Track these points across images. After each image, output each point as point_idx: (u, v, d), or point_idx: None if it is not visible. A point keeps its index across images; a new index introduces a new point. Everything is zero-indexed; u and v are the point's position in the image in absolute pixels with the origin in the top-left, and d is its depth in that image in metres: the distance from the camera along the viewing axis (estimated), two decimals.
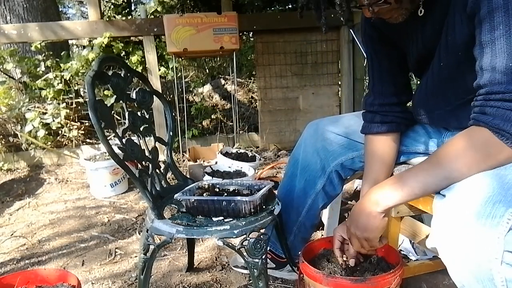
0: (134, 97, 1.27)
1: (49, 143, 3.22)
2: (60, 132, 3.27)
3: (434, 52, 0.93)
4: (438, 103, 0.97)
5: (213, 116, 4.20)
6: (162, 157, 1.91)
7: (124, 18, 6.06)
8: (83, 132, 3.44)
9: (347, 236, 1.06)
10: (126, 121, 1.22)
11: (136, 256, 1.70)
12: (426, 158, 0.86)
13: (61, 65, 3.20)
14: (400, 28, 0.94)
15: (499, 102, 0.74)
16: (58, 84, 3.20)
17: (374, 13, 0.87)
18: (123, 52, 3.27)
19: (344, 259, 1.09)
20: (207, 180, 1.63)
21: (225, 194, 1.25)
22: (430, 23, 0.91)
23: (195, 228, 1.06)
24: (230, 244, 1.05)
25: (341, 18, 0.84)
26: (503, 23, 0.72)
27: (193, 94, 4.73)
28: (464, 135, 0.80)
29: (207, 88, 4.91)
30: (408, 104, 1.16)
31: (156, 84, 3.16)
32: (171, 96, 4.11)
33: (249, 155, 2.69)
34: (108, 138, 1.05)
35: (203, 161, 3.04)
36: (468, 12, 0.79)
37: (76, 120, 3.39)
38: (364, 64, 3.30)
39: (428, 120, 1.08)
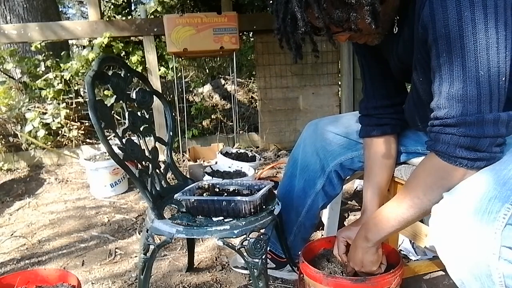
0: (134, 97, 1.27)
1: (49, 143, 3.22)
2: (60, 132, 3.27)
3: (411, 67, 0.95)
4: (428, 114, 0.98)
5: (213, 116, 4.20)
6: (162, 157, 1.91)
7: (124, 18, 6.07)
8: (83, 132, 3.44)
9: (348, 270, 1.09)
10: (126, 121, 1.22)
11: (136, 256, 1.70)
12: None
13: (61, 65, 3.20)
14: (379, 44, 0.97)
15: (438, 127, 0.80)
16: (58, 84, 3.20)
17: (347, 39, 0.92)
18: (123, 52, 3.27)
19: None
20: (207, 180, 1.63)
21: (225, 194, 1.25)
22: (401, 41, 0.94)
23: (195, 228, 1.06)
24: (230, 244, 1.05)
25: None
26: (446, 51, 0.75)
27: (193, 94, 4.73)
28: (421, 162, 0.87)
29: (207, 88, 4.91)
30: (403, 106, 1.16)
31: (156, 84, 3.16)
32: (171, 96, 4.11)
33: (249, 155, 2.69)
34: (108, 138, 1.05)
35: (203, 161, 3.04)
36: (420, 37, 0.82)
37: (76, 120, 3.39)
38: None
39: (424, 129, 1.08)
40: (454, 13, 0.72)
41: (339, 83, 3.64)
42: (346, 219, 1.96)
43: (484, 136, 0.75)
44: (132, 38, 3.41)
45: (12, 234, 2.00)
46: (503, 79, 0.73)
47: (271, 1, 0.86)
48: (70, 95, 3.29)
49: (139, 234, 1.92)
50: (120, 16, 6.32)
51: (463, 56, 0.73)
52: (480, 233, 0.67)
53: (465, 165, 0.77)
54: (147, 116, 1.31)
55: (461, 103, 0.75)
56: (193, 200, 1.15)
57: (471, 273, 0.70)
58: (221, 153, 2.61)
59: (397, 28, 0.92)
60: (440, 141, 0.79)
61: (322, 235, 1.74)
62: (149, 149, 1.28)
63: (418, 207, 0.85)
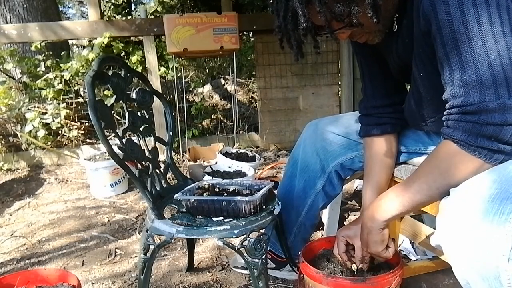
0: (134, 97, 1.27)
1: (49, 143, 3.22)
2: (60, 132, 3.27)
3: (411, 64, 0.94)
4: (429, 112, 0.98)
5: (213, 116, 4.20)
6: (162, 157, 1.91)
7: (124, 18, 6.07)
8: (83, 132, 3.44)
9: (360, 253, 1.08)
10: (126, 121, 1.22)
11: (136, 256, 1.70)
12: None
13: (61, 65, 3.20)
14: (378, 43, 0.97)
15: (457, 115, 0.77)
16: (58, 84, 3.20)
17: (348, 36, 0.91)
18: (123, 52, 3.27)
19: (355, 267, 1.09)
20: (207, 180, 1.63)
21: (225, 194, 1.25)
22: (400, 38, 0.93)
23: (195, 228, 1.06)
24: (230, 244, 1.05)
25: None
26: (451, 39, 0.74)
27: (193, 94, 4.73)
28: (435, 148, 0.85)
29: (207, 88, 4.91)
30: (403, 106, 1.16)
31: (156, 84, 3.16)
32: (171, 96, 4.11)
33: (249, 155, 2.69)
34: (108, 138, 1.05)
35: (203, 161, 3.04)
36: (422, 29, 0.81)
37: (76, 120, 3.39)
38: None
39: (425, 128, 1.08)
40: (454, 0, 0.72)
41: (339, 83, 3.64)
42: (346, 219, 1.96)
43: (508, 124, 0.72)
44: (132, 38, 3.41)
45: (12, 234, 2.00)
46: None
47: (271, 1, 0.86)
48: (70, 95, 3.29)
49: (139, 234, 1.92)
50: (120, 16, 6.32)
51: (469, 41, 0.72)
52: (490, 234, 0.66)
53: (484, 156, 0.75)
54: (147, 116, 1.31)
55: (477, 89, 0.73)
56: (193, 200, 1.15)
57: (478, 274, 0.70)
58: (221, 153, 2.61)
59: (396, 26, 0.92)
60: (460, 129, 0.77)
61: (322, 235, 1.74)
62: (149, 149, 1.28)
63: (425, 194, 0.83)
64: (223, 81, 5.04)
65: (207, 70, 5.25)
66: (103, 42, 3.06)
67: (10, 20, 3.72)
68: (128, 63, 2.55)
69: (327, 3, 0.78)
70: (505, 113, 0.72)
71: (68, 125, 3.28)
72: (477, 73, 0.72)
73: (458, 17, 0.72)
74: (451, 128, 0.79)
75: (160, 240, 1.11)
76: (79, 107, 3.36)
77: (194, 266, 1.57)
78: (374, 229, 0.96)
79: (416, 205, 0.87)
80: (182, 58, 3.96)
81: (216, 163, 2.54)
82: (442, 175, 0.80)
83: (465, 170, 0.77)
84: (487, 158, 0.75)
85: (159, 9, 5.83)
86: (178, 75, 3.77)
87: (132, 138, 1.20)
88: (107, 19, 3.66)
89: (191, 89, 4.76)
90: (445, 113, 0.81)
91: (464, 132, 0.76)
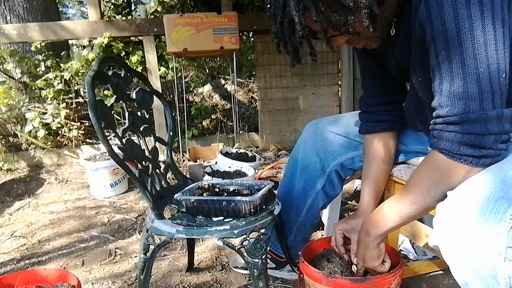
0: (134, 97, 1.27)
1: (49, 143, 3.22)
2: (60, 132, 3.27)
3: (409, 68, 0.95)
4: (428, 115, 0.98)
5: (213, 116, 4.20)
6: (162, 157, 1.91)
7: (124, 18, 6.07)
8: (83, 132, 3.44)
9: (358, 268, 1.08)
10: (126, 121, 1.22)
11: (136, 256, 1.70)
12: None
13: (61, 65, 3.20)
14: (376, 47, 0.97)
15: (441, 125, 0.79)
16: (58, 84, 3.20)
17: (346, 42, 0.91)
18: (123, 52, 3.27)
19: (354, 262, 1.09)
20: (207, 180, 1.63)
21: (225, 194, 1.25)
22: (398, 42, 0.94)
23: (195, 228, 1.06)
24: (230, 244, 1.05)
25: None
26: (444, 49, 0.75)
27: (193, 94, 4.73)
28: (424, 159, 0.87)
29: (207, 88, 4.91)
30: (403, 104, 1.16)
31: (156, 84, 3.16)
32: (171, 96, 4.11)
33: (249, 155, 2.69)
34: (108, 138, 1.05)
35: (203, 161, 3.04)
36: (418, 37, 0.82)
37: (76, 120, 3.39)
38: None
39: (424, 130, 1.08)
40: (450, 11, 0.72)
41: (339, 83, 3.64)
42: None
43: (489, 133, 0.74)
44: (132, 38, 3.41)
45: (12, 234, 2.00)
46: (504, 75, 0.73)
47: (268, 6, 0.86)
48: (70, 95, 3.29)
49: (139, 234, 1.92)
50: (120, 16, 6.32)
51: (461, 53, 0.73)
52: (486, 234, 0.67)
53: (470, 163, 0.76)
54: (147, 116, 1.31)
55: (463, 101, 0.75)
56: (193, 200, 1.15)
57: (476, 274, 0.70)
58: (221, 153, 2.61)
59: (394, 31, 0.92)
60: (444, 138, 0.79)
61: (322, 235, 1.74)
62: (149, 149, 1.28)
63: (421, 204, 0.84)
64: (223, 81, 5.04)
65: (207, 70, 5.25)
66: (103, 42, 3.06)
67: (10, 20, 3.72)
68: (128, 63, 2.55)
69: (324, 12, 0.78)
70: (486, 123, 0.74)
71: (68, 125, 3.28)
72: (465, 86, 0.74)
73: (452, 29, 0.73)
74: (436, 138, 0.81)
75: (160, 240, 1.11)
76: (79, 107, 3.36)
77: (194, 266, 1.58)
78: (370, 243, 0.97)
79: (413, 216, 0.88)
80: (182, 58, 3.96)
81: (216, 163, 2.54)
82: (435, 185, 0.81)
83: (456, 176, 0.78)
84: (473, 164, 0.76)
85: (159, 9, 5.83)
86: (178, 75, 3.77)
87: (132, 138, 1.20)
88: (107, 19, 3.66)
89: (191, 89, 4.76)
90: (431, 122, 0.83)
91: (447, 141, 0.78)
